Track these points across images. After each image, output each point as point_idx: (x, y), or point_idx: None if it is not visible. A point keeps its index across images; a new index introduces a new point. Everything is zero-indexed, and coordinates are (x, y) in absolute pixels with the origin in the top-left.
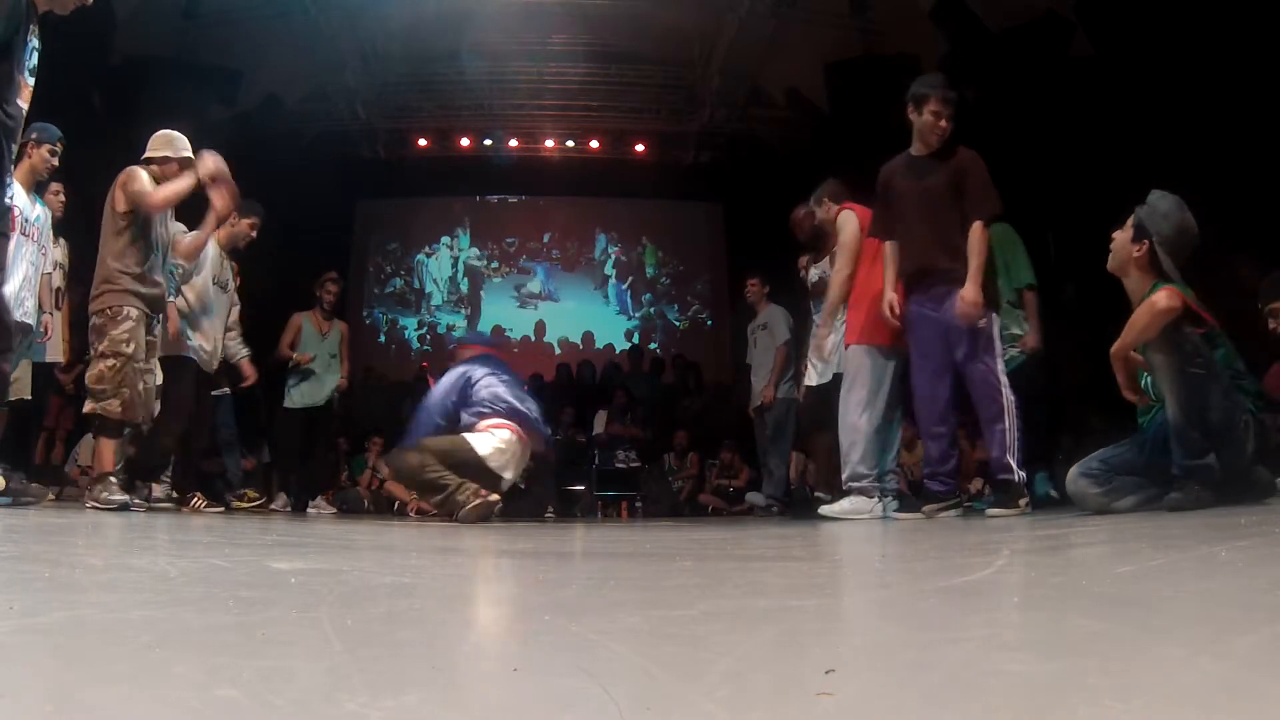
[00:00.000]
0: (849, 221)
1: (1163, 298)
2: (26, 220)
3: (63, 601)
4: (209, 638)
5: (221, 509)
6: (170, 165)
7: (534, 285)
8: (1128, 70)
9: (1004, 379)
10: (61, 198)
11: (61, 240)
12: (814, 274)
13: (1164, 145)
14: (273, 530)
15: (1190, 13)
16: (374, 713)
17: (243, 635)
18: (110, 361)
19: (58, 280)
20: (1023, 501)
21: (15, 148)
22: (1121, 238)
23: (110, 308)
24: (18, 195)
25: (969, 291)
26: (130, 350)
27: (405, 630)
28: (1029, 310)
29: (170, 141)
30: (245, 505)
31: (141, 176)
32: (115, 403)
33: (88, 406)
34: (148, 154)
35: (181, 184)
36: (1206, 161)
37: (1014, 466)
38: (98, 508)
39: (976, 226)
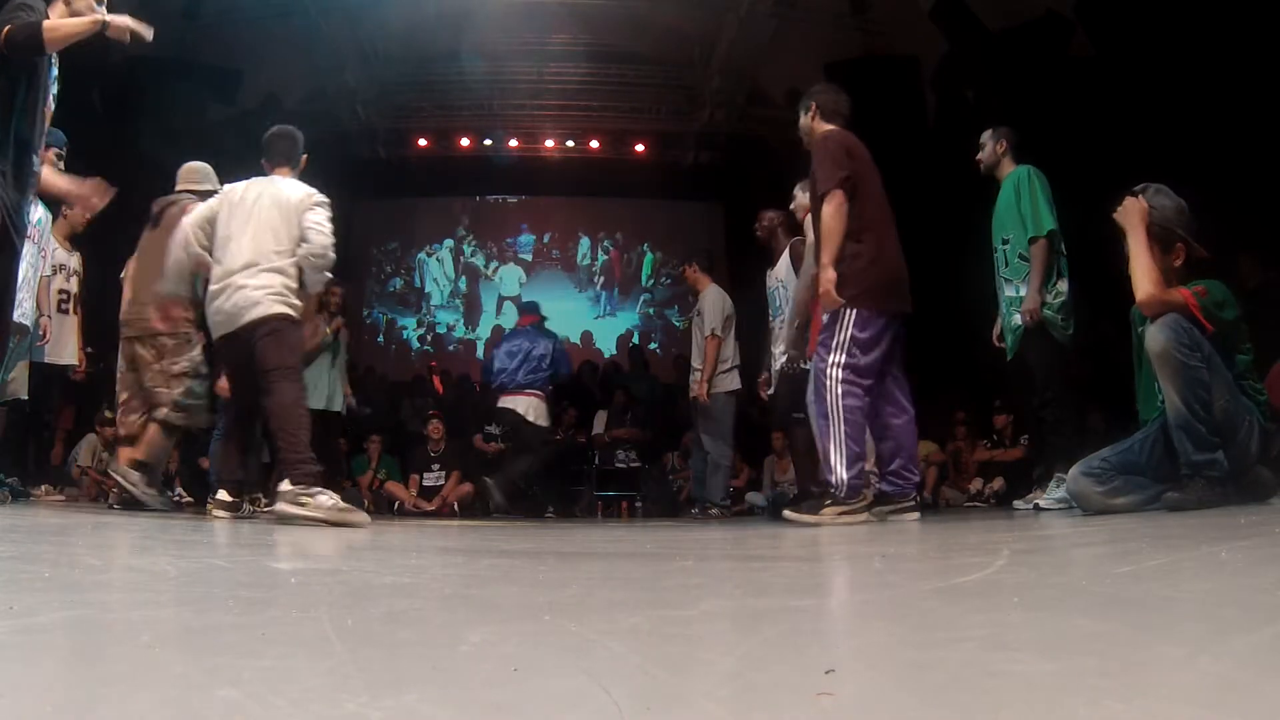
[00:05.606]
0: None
1: (1178, 299)
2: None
3: (63, 601)
4: (209, 638)
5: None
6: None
7: (533, 285)
8: (1128, 70)
9: (835, 377)
10: (87, 215)
11: (75, 251)
12: (771, 284)
13: (1164, 144)
14: (273, 530)
15: (1190, 12)
16: (374, 713)
17: (243, 635)
18: (194, 383)
19: (60, 283)
20: (831, 511)
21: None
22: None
23: (182, 330)
24: None
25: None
26: (206, 371)
27: (405, 630)
28: (1033, 265)
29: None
30: (257, 509)
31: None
32: (202, 418)
33: (179, 419)
34: (195, 187)
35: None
36: (1207, 161)
37: (837, 470)
38: (130, 492)
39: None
